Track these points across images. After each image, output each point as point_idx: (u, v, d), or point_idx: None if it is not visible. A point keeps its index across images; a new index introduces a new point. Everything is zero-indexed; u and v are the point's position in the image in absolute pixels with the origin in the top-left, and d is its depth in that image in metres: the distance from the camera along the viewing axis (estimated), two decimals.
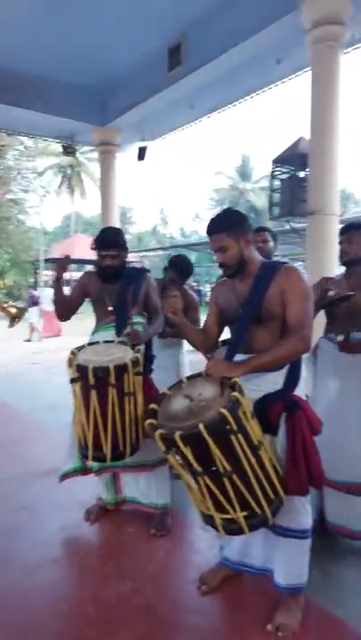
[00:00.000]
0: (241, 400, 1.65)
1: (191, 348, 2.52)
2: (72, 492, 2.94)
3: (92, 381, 2.17)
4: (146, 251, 30.00)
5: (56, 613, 1.98)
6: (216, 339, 2.18)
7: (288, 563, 1.93)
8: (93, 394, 2.20)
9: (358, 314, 2.39)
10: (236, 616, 1.95)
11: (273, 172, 5.22)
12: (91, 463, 2.60)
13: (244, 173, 39.31)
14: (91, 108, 7.50)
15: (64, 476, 2.75)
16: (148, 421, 1.71)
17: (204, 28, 5.55)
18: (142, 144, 8.07)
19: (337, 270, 4.79)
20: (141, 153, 7.80)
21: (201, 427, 1.55)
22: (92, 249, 2.62)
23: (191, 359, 3.44)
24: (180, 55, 5.98)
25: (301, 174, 5.00)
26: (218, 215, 1.98)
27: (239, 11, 5.11)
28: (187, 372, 3.33)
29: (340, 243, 2.49)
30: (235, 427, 1.60)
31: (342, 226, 2.54)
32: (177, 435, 1.57)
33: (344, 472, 2.33)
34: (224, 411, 1.57)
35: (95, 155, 14.78)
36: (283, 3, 4.66)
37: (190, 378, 1.89)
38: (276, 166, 5.17)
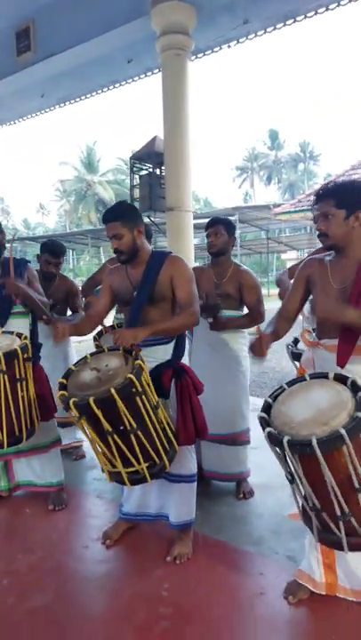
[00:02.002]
0: (143, 366, 1.94)
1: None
2: None
3: None
4: None
5: None
6: (100, 322, 2.45)
7: (180, 504, 2.29)
8: None
9: (223, 298, 2.84)
10: (139, 557, 2.24)
11: (132, 168, 5.52)
12: None
13: (90, 165, 38.92)
14: None
15: None
16: (60, 393, 1.90)
17: (56, 18, 5.55)
18: None
19: (193, 260, 5.37)
20: None
21: (112, 390, 1.79)
22: None
23: (77, 347, 3.60)
24: (29, 41, 5.87)
25: (158, 172, 5.40)
26: (114, 205, 2.24)
27: (91, 7, 5.24)
28: (74, 358, 3.50)
29: (208, 236, 2.87)
30: (140, 389, 1.89)
31: (208, 220, 2.92)
32: (91, 400, 1.79)
33: (215, 426, 2.77)
34: (131, 375, 1.84)
35: None
36: (134, 7, 4.94)
37: (93, 354, 2.11)
38: (135, 163, 5.49)
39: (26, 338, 2.50)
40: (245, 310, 2.91)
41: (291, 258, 34.53)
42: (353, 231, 1.76)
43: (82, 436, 3.60)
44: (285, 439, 1.53)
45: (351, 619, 1.79)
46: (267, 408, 1.71)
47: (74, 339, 3.65)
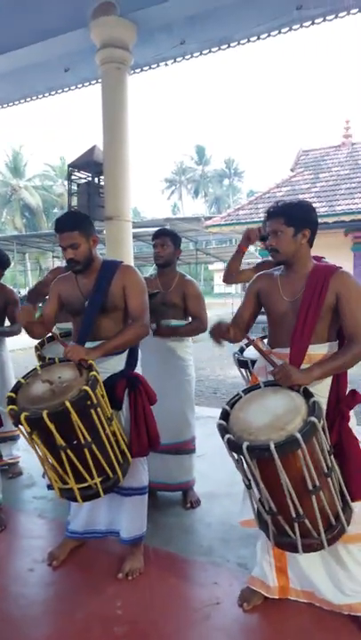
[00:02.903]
0: (99, 378, 1.90)
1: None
2: None
3: None
4: None
5: None
6: (52, 327, 2.36)
7: (132, 518, 2.26)
8: None
9: (165, 307, 2.87)
10: (89, 576, 2.17)
11: (69, 176, 5.43)
12: None
13: (15, 169, 37.55)
14: None
15: None
16: (10, 407, 1.80)
17: None
18: None
19: None
20: None
21: (67, 403, 1.74)
22: None
23: (12, 356, 3.44)
24: None
25: (97, 181, 5.36)
26: (68, 214, 2.19)
27: (31, 13, 5.12)
28: (11, 368, 3.33)
29: (154, 246, 2.90)
30: (95, 401, 1.85)
31: (155, 231, 2.95)
32: (44, 413, 1.72)
33: (161, 435, 2.77)
34: (87, 387, 1.80)
35: None
36: (74, 18, 4.91)
37: (43, 366, 2.03)
38: (73, 171, 5.40)
39: None
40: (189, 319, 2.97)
41: (218, 269, 35.66)
42: (301, 247, 1.87)
43: (18, 453, 3.43)
44: (245, 445, 1.57)
45: (304, 621, 1.86)
46: (225, 415, 1.74)
47: (10, 347, 3.50)
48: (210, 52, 5.45)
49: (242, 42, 5.16)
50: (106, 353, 2.04)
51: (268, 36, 5.07)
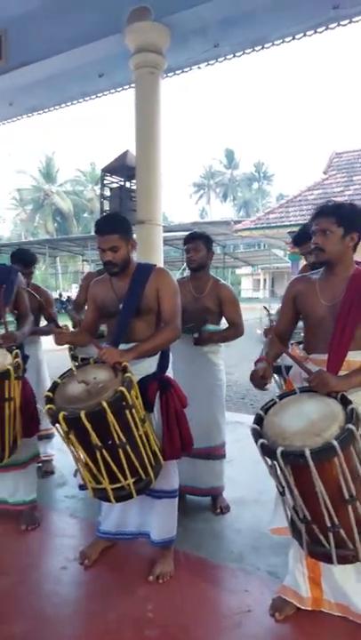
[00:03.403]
0: (133, 380, 1.91)
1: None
2: None
3: None
4: None
5: None
6: (96, 331, 2.41)
7: (163, 521, 2.25)
8: None
9: (204, 313, 2.86)
10: (120, 577, 2.18)
11: (102, 180, 5.50)
12: None
13: (48, 175, 38.42)
14: None
15: None
16: (48, 406, 1.84)
17: (29, 29, 5.51)
18: None
19: None
20: None
21: (104, 404, 1.76)
22: None
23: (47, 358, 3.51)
24: (0, 50, 5.78)
25: (128, 185, 5.42)
26: (109, 217, 2.24)
27: (66, 21, 5.24)
28: (46, 368, 3.40)
29: (187, 251, 2.89)
30: (130, 402, 1.86)
31: (187, 235, 2.94)
32: (82, 413, 1.74)
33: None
34: (123, 388, 1.82)
35: None
36: (109, 24, 4.99)
37: (79, 367, 2.06)
38: (106, 176, 5.48)
39: (17, 355, 2.39)
40: (224, 324, 2.95)
41: (245, 273, 35.40)
42: (347, 250, 1.83)
43: (52, 451, 3.48)
44: (279, 450, 1.55)
45: (338, 635, 1.81)
46: (259, 420, 1.72)
47: (46, 348, 3.57)
48: (243, 53, 5.43)
49: (276, 42, 5.13)
50: (139, 355, 2.06)
51: (304, 35, 5.02)
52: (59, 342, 2.17)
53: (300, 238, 2.90)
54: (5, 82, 5.94)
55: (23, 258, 3.33)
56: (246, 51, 5.43)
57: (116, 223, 2.17)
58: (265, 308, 2.28)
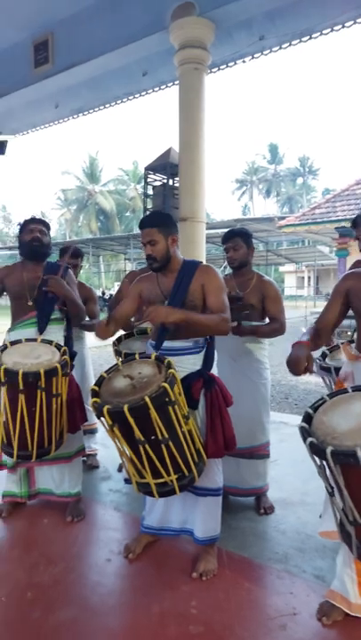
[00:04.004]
0: (177, 376, 1.91)
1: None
2: None
3: (21, 386, 2.18)
4: None
5: None
6: (123, 325, 2.44)
7: (206, 518, 2.24)
8: (22, 397, 2.20)
9: (246, 309, 2.81)
10: (163, 573, 2.18)
11: (145, 178, 5.55)
12: (5, 459, 2.58)
13: (91, 175, 39.23)
14: None
15: None
16: (93, 400, 1.86)
17: (75, 31, 5.62)
18: (0, 138, 7.69)
19: None
20: (1, 147, 7.42)
21: (147, 399, 1.76)
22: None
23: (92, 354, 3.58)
24: (47, 53, 5.92)
25: (171, 182, 5.43)
26: (152, 213, 2.26)
27: (111, 21, 5.30)
28: (90, 364, 3.47)
29: (226, 250, 2.83)
30: (173, 398, 1.85)
31: (224, 234, 2.87)
32: (126, 407, 1.75)
33: (236, 439, 2.74)
34: (165, 384, 1.81)
35: None
36: (153, 22, 5.01)
37: (124, 362, 2.08)
38: (149, 174, 5.52)
39: (65, 352, 2.45)
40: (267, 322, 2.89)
41: (289, 270, 34.74)
42: None
43: (95, 446, 3.55)
44: (329, 449, 1.50)
45: None
46: (307, 418, 1.67)
47: (90, 344, 3.64)
48: (290, 45, 5.31)
49: (325, 32, 4.98)
50: (187, 320, 2.03)
51: (355, 23, 4.84)
52: (99, 336, 2.20)
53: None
54: (52, 85, 6.09)
55: (73, 252, 3.41)
56: (293, 42, 5.30)
57: (156, 218, 2.21)
58: None
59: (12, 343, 2.42)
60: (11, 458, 2.42)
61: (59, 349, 2.43)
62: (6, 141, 7.43)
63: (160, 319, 1.97)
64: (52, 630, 1.82)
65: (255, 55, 5.61)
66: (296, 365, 1.85)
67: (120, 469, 3.24)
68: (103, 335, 2.33)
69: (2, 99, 6.48)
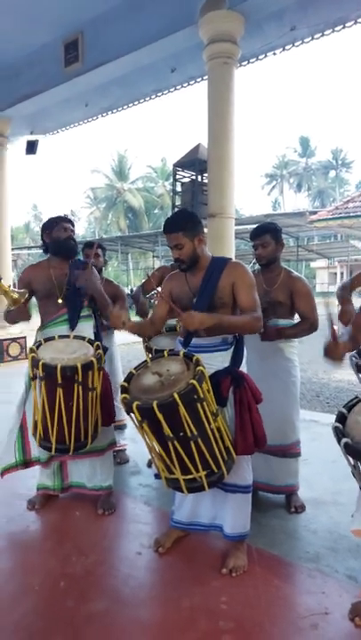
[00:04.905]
0: (205, 373, 1.91)
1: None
2: (6, 487, 2.91)
3: (59, 380, 2.24)
4: (20, 249, 28.59)
5: (28, 591, 2.03)
6: (162, 327, 2.45)
7: (235, 515, 2.24)
8: (60, 391, 2.26)
9: (273, 306, 2.78)
10: (193, 567, 2.19)
11: (175, 175, 5.56)
12: (38, 454, 2.65)
13: (120, 173, 39.52)
14: None
15: (4, 471, 2.72)
16: (123, 396, 1.89)
17: (104, 30, 5.67)
18: (31, 138, 7.85)
19: None
20: (32, 146, 7.58)
21: (175, 396, 1.77)
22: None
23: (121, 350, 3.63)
24: (77, 52, 6.01)
25: (200, 179, 5.42)
26: (175, 216, 2.24)
27: (140, 18, 5.32)
28: (119, 361, 3.51)
29: (254, 247, 2.79)
30: (201, 395, 1.86)
31: (252, 230, 2.82)
32: (154, 404, 1.77)
33: (267, 436, 2.72)
34: (194, 381, 1.82)
35: None
36: (182, 17, 5.00)
37: (153, 359, 2.09)
38: (177, 170, 5.53)
39: (99, 347, 2.51)
40: (297, 319, 2.84)
41: (321, 266, 34.05)
42: None
43: (125, 441, 3.59)
44: None
45: None
46: (341, 418, 1.65)
47: (119, 342, 3.68)
48: (322, 35, 5.21)
49: (359, 20, 4.85)
50: (220, 323, 2.04)
51: None
52: (113, 323, 2.23)
53: None
54: (82, 83, 6.18)
55: (88, 243, 3.58)
56: (325, 32, 5.20)
57: (180, 221, 2.18)
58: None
59: (46, 340, 2.47)
60: (49, 452, 2.47)
61: (91, 344, 2.47)
62: (37, 141, 7.58)
63: (194, 326, 1.99)
64: (84, 620, 1.86)
65: (286, 47, 5.53)
66: (331, 353, 1.92)
67: (150, 465, 3.27)
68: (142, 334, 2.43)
69: (33, 99, 6.62)
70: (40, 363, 2.25)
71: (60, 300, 2.63)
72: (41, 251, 2.83)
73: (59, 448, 2.39)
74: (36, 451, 2.69)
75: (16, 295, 2.47)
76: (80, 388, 2.30)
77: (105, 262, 3.58)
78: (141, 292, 3.37)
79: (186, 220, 2.20)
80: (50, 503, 2.80)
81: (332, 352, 1.92)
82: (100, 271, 3.47)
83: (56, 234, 2.69)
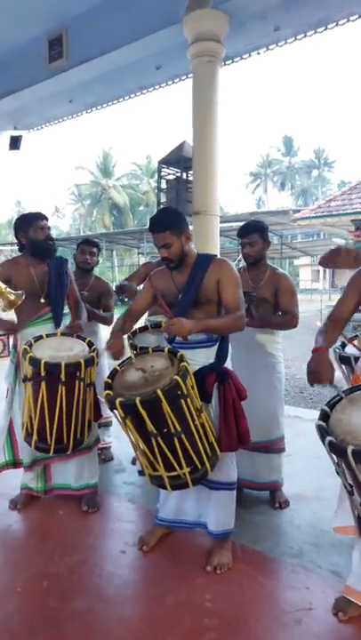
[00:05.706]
0: (189, 369, 1.91)
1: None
2: None
3: (63, 378, 2.23)
4: (3, 245, 28.20)
5: (10, 592, 2.01)
6: (142, 316, 2.46)
7: (219, 512, 2.25)
8: (62, 389, 2.25)
9: (259, 303, 2.79)
10: (178, 565, 2.20)
11: (159, 172, 5.53)
12: (21, 457, 2.63)
13: (105, 170, 39.27)
14: None
15: None
16: (106, 392, 1.88)
17: (89, 26, 5.61)
18: (15, 133, 7.73)
19: None
20: (16, 142, 7.48)
21: (159, 392, 1.77)
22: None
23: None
24: (61, 48, 5.93)
25: (185, 176, 5.40)
26: (160, 214, 2.23)
27: (125, 15, 5.28)
28: (105, 358, 3.49)
29: (242, 246, 2.80)
30: (185, 392, 1.86)
31: (240, 228, 2.83)
32: (137, 400, 1.77)
33: (251, 433, 2.73)
34: (178, 377, 1.82)
35: None
36: (167, 15, 4.97)
37: (137, 355, 2.08)
38: (162, 168, 5.50)
39: (90, 343, 2.52)
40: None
41: (304, 264, 34.38)
42: None
43: (109, 439, 3.58)
44: (349, 449, 1.48)
45: None
46: (324, 416, 1.66)
47: (104, 339, 3.66)
48: (305, 36, 5.22)
49: (341, 22, 4.88)
50: (206, 330, 2.06)
51: None
52: (114, 349, 2.26)
53: None
54: (66, 80, 6.09)
55: (87, 240, 3.62)
56: (308, 33, 5.21)
57: (167, 220, 2.18)
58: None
59: (36, 339, 2.45)
60: (46, 453, 2.46)
61: (83, 340, 2.47)
62: (21, 136, 7.47)
63: (182, 333, 1.99)
64: (67, 619, 1.85)
65: (270, 47, 5.53)
66: (319, 379, 1.90)
67: (134, 462, 3.26)
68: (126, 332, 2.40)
69: (17, 94, 6.51)
70: (42, 362, 2.22)
71: (42, 300, 2.60)
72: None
73: (57, 448, 2.39)
74: (21, 453, 2.67)
75: (12, 297, 2.33)
76: (81, 384, 2.31)
77: (97, 262, 3.55)
78: (120, 289, 3.40)
79: (172, 219, 2.19)
80: (33, 502, 2.77)
81: (319, 380, 1.92)
82: (91, 269, 3.47)
83: (33, 235, 2.61)
